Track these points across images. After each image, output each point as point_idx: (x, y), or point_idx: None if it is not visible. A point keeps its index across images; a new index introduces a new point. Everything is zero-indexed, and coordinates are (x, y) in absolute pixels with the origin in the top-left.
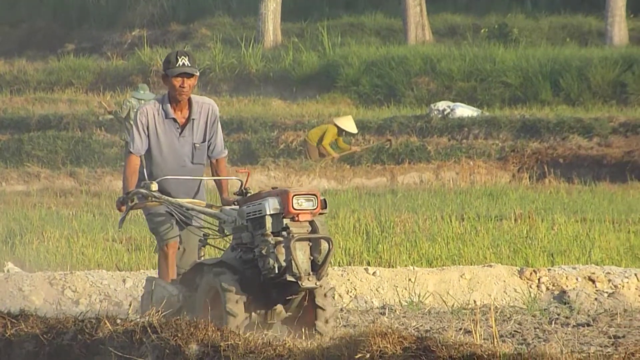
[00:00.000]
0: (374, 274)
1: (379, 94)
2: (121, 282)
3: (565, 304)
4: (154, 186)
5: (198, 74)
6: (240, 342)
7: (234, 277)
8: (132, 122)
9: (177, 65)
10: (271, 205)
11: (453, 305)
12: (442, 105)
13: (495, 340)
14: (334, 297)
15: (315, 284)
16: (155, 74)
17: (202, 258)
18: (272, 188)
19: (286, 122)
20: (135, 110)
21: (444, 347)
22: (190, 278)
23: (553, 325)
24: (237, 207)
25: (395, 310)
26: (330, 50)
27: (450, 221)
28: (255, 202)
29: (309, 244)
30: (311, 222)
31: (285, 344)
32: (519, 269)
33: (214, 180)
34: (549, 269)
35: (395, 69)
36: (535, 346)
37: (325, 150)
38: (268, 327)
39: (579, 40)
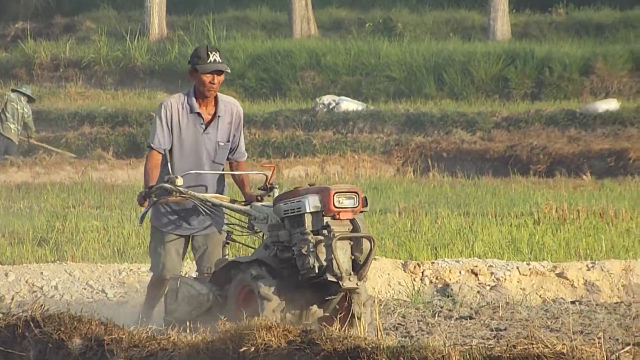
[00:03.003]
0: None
1: (264, 88)
2: (3, 275)
3: (448, 297)
4: (179, 181)
5: (229, 70)
6: (124, 336)
7: (272, 283)
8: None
9: (209, 61)
10: (311, 203)
11: None
12: (327, 99)
13: (379, 333)
14: (371, 307)
15: (356, 284)
16: (39, 66)
17: (227, 256)
18: (310, 185)
19: None
20: (12, 103)
21: (328, 340)
22: (222, 276)
23: (436, 318)
24: (267, 203)
25: None
26: (216, 43)
27: None
28: (294, 200)
29: (350, 243)
30: (352, 221)
31: (170, 337)
32: (403, 262)
33: (233, 177)
34: (432, 262)
35: (280, 62)
36: (418, 339)
37: None
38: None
39: (462, 35)
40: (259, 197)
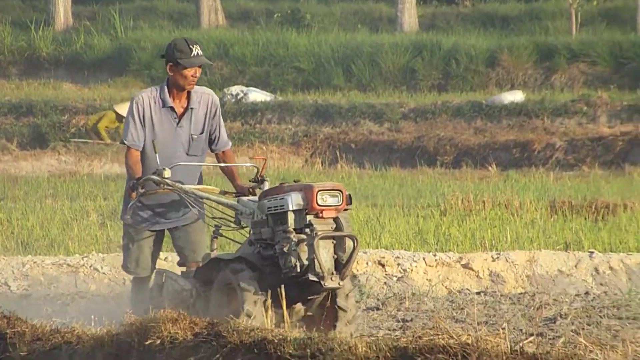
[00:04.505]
0: (165, 259)
1: None
2: None
3: (355, 287)
4: (167, 173)
5: (212, 63)
6: (27, 330)
7: (252, 275)
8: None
9: (192, 55)
10: (294, 201)
11: None
12: (235, 89)
13: (286, 324)
14: (355, 299)
15: (338, 284)
16: None
17: (215, 250)
18: (295, 182)
19: (77, 106)
20: None
21: (235, 333)
22: (205, 273)
23: None
24: (255, 197)
25: None
26: (123, 33)
27: None
28: (277, 197)
29: (333, 242)
30: (335, 219)
31: (74, 330)
32: None
33: (222, 169)
34: None
35: None
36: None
37: (100, 133)
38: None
39: (370, 27)
40: (250, 189)
